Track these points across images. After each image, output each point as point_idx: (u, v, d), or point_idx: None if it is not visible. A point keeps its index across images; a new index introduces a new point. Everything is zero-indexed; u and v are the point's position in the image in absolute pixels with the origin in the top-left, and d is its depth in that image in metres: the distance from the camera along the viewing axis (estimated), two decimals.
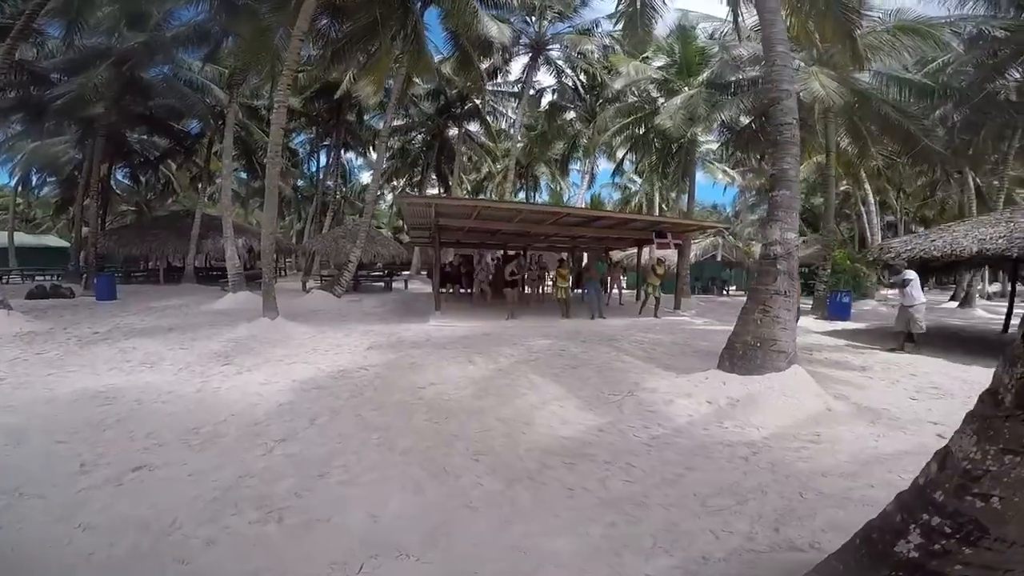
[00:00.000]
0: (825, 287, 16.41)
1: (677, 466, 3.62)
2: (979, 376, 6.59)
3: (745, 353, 5.47)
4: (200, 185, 24.51)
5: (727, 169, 31.51)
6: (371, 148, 32.06)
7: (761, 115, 16.54)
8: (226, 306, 12.36)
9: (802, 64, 14.86)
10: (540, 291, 15.56)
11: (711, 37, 17.71)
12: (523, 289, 12.32)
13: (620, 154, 26.03)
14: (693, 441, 4.14)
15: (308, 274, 25.01)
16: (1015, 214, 10.14)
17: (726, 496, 3.16)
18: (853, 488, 3.27)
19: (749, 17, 11.60)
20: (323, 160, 32.47)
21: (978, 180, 25.55)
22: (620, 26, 11.30)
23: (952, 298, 23.42)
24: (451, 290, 16.84)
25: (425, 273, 33.38)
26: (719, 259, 26.90)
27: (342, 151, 30.68)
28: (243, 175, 32.40)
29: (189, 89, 19.26)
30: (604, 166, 35.72)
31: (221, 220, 15.20)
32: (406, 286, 22.51)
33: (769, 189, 6.14)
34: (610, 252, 20.66)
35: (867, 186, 25.24)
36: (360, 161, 39.04)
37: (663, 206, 30.72)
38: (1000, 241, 8.98)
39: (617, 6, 10.57)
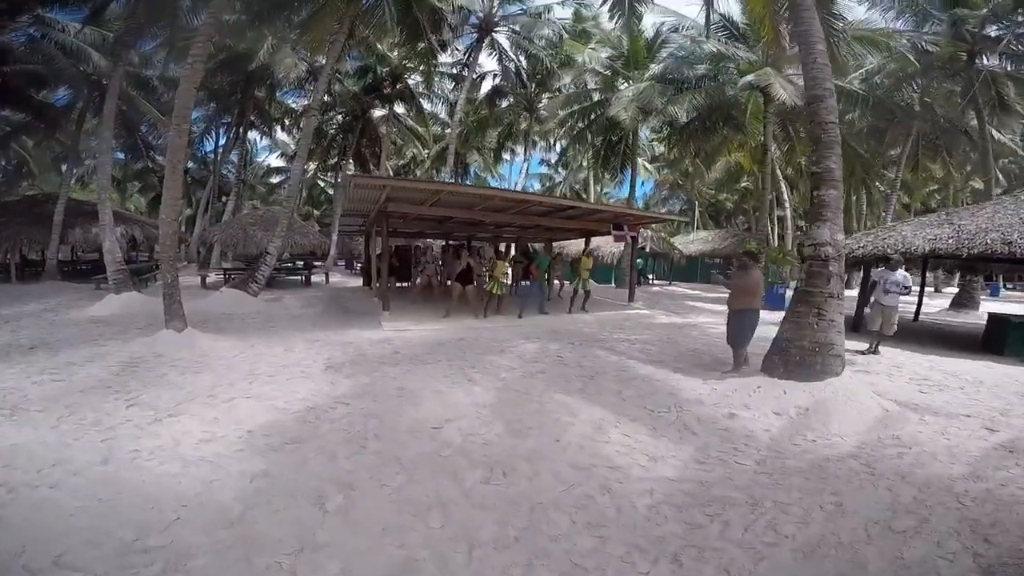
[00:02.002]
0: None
1: (819, 494, 3.30)
2: (955, 367, 7.26)
3: (803, 359, 5.34)
4: (65, 166, 20.11)
5: (647, 164, 32.35)
6: (280, 127, 28.66)
7: (708, 113, 16.65)
8: (108, 312, 9.71)
9: (751, 63, 14.96)
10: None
11: (667, 31, 17.47)
12: (482, 284, 11.06)
13: (558, 144, 25.52)
14: (800, 460, 3.84)
15: (206, 267, 21.67)
16: (952, 216, 10.68)
17: (901, 517, 3.01)
18: (991, 489, 3.33)
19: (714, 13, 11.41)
20: (221, 140, 28.46)
21: (877, 185, 28.33)
22: (606, 7, 10.42)
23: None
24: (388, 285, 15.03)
25: (343, 264, 30.67)
26: (647, 250, 27.32)
27: (246, 130, 27.06)
28: (120, 155, 27.52)
29: (60, 52, 15.48)
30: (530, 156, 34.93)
31: (89, 206, 12.23)
32: (327, 280, 20.15)
33: (813, 188, 5.84)
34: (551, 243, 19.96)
35: (783, 185, 26.79)
36: (265, 142, 35.01)
37: (582, 196, 30.66)
38: (950, 242, 9.36)
39: None
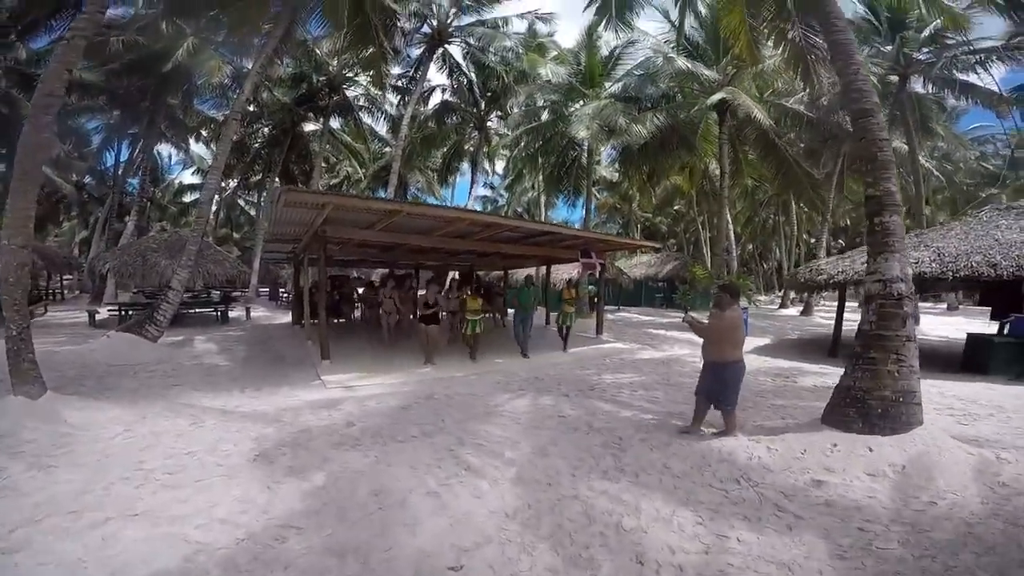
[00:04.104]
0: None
1: (1010, 568, 2.82)
2: (961, 391, 7.09)
3: (886, 410, 4.69)
4: None
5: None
6: (195, 138, 25.55)
7: (667, 133, 16.21)
8: None
9: (712, 82, 14.64)
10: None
11: (621, 47, 16.97)
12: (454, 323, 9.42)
13: (507, 165, 24.49)
14: (943, 531, 3.23)
15: (99, 301, 18.33)
16: (923, 238, 10.61)
17: None
18: None
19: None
20: (125, 154, 24.90)
21: (801, 206, 29.67)
22: (592, 10, 9.49)
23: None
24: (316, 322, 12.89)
25: (266, 292, 27.59)
26: (597, 275, 26.72)
27: (155, 141, 23.80)
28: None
29: None
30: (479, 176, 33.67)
31: None
32: (248, 315, 17.52)
33: (869, 213, 5.11)
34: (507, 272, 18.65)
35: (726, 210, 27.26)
36: (177, 156, 31.39)
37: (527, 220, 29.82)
38: (934, 265, 9.25)
39: None
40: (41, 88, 5.84)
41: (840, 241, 46.41)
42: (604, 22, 9.70)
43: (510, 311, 11.73)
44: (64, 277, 27.14)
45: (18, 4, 10.14)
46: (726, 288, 4.96)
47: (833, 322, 11.82)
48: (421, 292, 12.66)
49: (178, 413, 5.36)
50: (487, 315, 12.00)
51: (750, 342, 12.28)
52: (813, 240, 41.80)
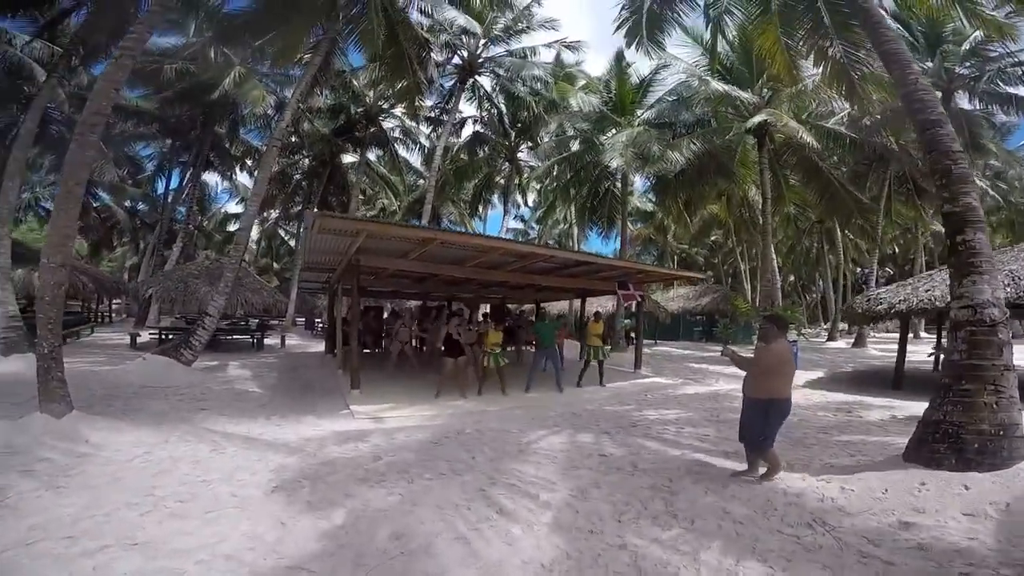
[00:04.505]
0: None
1: None
2: None
3: (984, 446, 4.30)
4: None
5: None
6: (240, 168, 26.64)
7: (707, 159, 15.83)
8: None
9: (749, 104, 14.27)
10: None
11: (650, 74, 16.87)
12: (475, 356, 9.14)
13: (537, 197, 24.47)
14: None
15: (142, 324, 18.89)
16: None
17: None
18: None
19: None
20: (176, 181, 26.20)
21: (847, 233, 28.42)
22: (622, 33, 9.45)
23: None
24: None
25: (303, 322, 28.01)
26: (632, 308, 26.05)
27: (203, 170, 24.93)
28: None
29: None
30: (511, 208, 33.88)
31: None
32: (283, 343, 17.68)
33: (950, 232, 4.72)
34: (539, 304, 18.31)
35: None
36: (224, 185, 32.79)
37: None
38: (1008, 289, 8.51)
39: (620, 11, 8.97)
40: (89, 106, 5.99)
41: (887, 269, 44.30)
42: (635, 44, 9.54)
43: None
44: (113, 301, 28.32)
45: (81, 29, 10.77)
46: (772, 319, 4.49)
47: (892, 353, 11.07)
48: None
49: (200, 438, 5.18)
50: (510, 348, 11.62)
51: (801, 376, 11.54)
52: (859, 269, 40.16)
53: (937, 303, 9.17)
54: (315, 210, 25.26)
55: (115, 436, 4.96)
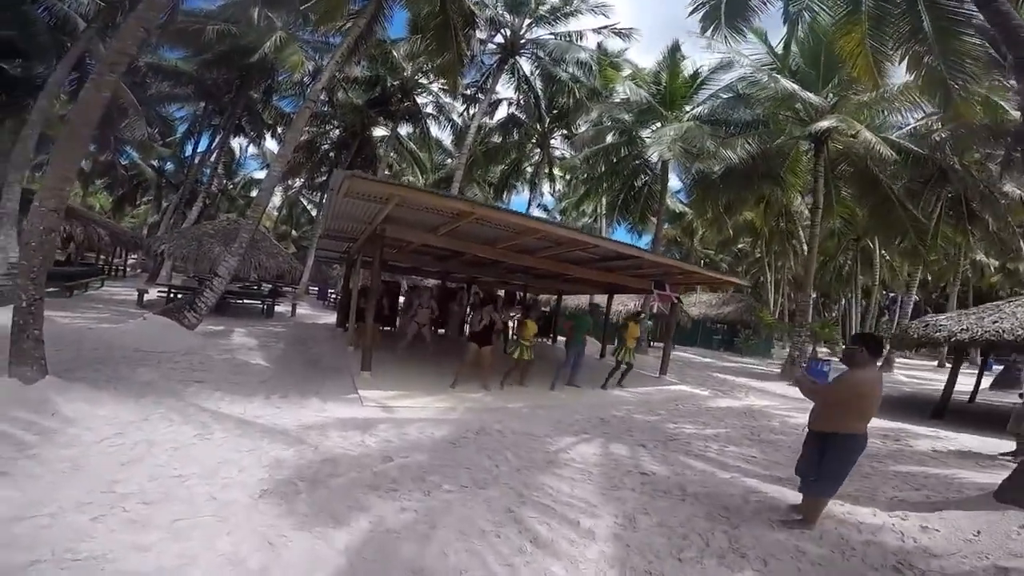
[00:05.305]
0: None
1: None
2: None
3: None
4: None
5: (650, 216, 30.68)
6: (272, 134, 26.17)
7: (761, 161, 14.86)
8: None
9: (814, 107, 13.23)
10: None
11: (708, 70, 15.87)
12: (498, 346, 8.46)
13: (563, 188, 23.58)
14: None
15: (154, 281, 18.50)
16: None
17: None
18: None
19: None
20: (205, 144, 25.88)
21: (882, 254, 27.05)
22: (698, 17, 8.70)
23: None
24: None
25: (316, 291, 27.51)
26: (655, 311, 25.18)
27: (233, 135, 24.47)
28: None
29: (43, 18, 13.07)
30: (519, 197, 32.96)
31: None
32: (293, 311, 17.15)
33: None
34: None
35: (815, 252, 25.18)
36: (252, 151, 32.39)
37: None
38: None
39: None
40: (113, 44, 5.36)
41: (914, 295, 42.42)
42: (710, 30, 8.73)
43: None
44: (130, 255, 28.16)
45: None
46: (864, 339, 3.55)
47: (919, 380, 10.34)
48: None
49: (187, 417, 4.52)
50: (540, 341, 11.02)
51: None
52: (884, 292, 38.51)
53: (1005, 336, 8.54)
54: (303, 192, 24.87)
55: (89, 409, 4.31)
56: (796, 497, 4.12)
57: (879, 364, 3.98)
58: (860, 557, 3.22)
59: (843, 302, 40.28)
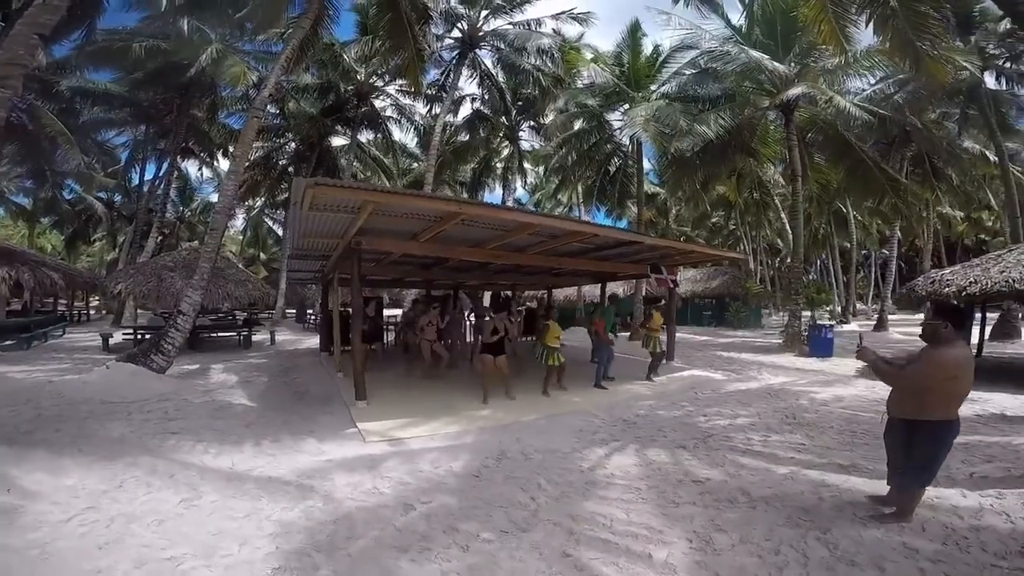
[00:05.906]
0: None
1: None
2: None
3: None
4: None
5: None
6: (223, 154, 24.89)
7: (735, 134, 14.62)
8: None
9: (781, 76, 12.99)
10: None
11: (669, 48, 15.56)
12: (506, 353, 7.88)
13: (535, 180, 23.14)
14: None
15: (119, 323, 17.38)
16: None
17: None
18: None
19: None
20: (152, 170, 24.50)
21: (855, 215, 27.43)
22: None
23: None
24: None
25: (293, 314, 26.44)
26: (644, 292, 24.95)
27: (181, 157, 23.19)
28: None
29: None
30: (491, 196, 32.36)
31: None
32: (272, 339, 16.24)
33: None
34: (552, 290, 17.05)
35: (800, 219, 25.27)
36: (207, 174, 30.94)
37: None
38: None
39: None
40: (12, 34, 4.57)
41: (884, 252, 43.52)
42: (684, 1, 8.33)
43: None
44: (91, 297, 26.62)
45: None
46: (946, 311, 3.06)
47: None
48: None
49: (167, 479, 3.85)
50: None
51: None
52: (863, 252, 39.30)
53: (1017, 285, 8.28)
54: (266, 211, 23.92)
55: (52, 480, 3.66)
56: (871, 486, 3.76)
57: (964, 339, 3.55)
58: (978, 547, 2.94)
59: (817, 263, 40.97)
